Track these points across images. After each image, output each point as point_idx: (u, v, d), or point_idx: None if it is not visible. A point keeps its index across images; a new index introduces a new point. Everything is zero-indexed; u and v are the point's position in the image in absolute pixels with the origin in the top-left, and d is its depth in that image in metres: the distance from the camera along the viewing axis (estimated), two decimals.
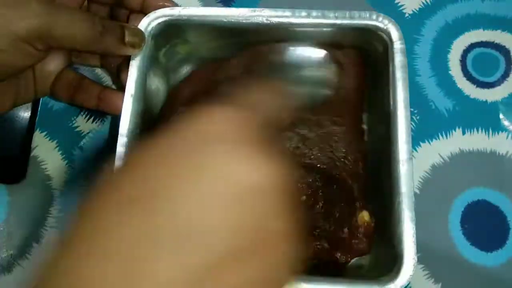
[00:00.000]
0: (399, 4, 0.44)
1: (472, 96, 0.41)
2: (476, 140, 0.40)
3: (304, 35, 0.36)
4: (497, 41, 0.42)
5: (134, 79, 0.34)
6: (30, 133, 0.40)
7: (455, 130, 0.40)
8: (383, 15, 0.34)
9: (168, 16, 0.35)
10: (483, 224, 0.38)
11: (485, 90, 0.41)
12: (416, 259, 0.29)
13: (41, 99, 0.41)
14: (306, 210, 0.34)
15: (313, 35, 0.36)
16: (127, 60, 0.34)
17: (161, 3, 0.36)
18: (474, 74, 0.42)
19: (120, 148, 0.32)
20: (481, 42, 0.42)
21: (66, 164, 0.40)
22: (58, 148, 0.40)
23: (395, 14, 0.43)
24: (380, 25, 0.34)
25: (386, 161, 0.33)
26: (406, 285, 0.29)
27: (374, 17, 0.34)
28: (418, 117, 0.40)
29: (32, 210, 0.39)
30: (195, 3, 0.44)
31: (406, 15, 0.43)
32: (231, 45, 0.37)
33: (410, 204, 0.30)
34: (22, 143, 0.40)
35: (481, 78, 0.41)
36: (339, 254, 0.32)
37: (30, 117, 0.40)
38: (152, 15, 0.35)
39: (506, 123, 0.40)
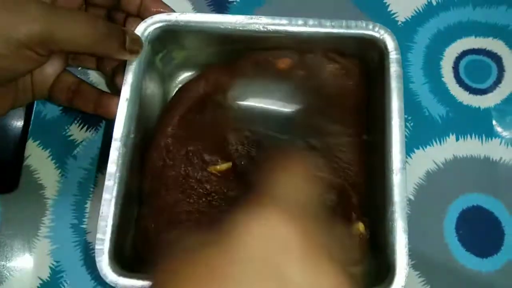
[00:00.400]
0: (392, 11, 0.44)
1: (465, 103, 0.41)
2: (469, 147, 0.40)
3: (301, 44, 0.36)
4: (489, 48, 0.43)
5: (130, 84, 0.33)
6: (23, 142, 0.40)
7: (448, 137, 0.40)
8: (379, 25, 0.34)
9: (165, 21, 0.35)
10: (477, 230, 0.38)
11: (478, 97, 0.41)
12: (408, 269, 0.29)
13: (34, 108, 0.41)
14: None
15: (310, 44, 0.36)
16: (122, 64, 0.34)
17: (158, 9, 0.36)
18: (466, 81, 0.42)
19: (114, 152, 0.32)
20: (473, 49, 0.43)
21: (59, 173, 0.40)
22: (51, 157, 0.40)
23: (388, 21, 0.43)
24: (376, 34, 0.34)
25: (380, 170, 0.33)
26: None
27: (370, 26, 0.34)
28: (412, 124, 0.41)
29: (25, 220, 0.39)
30: (188, 10, 0.44)
31: (399, 22, 0.44)
32: (228, 51, 0.37)
33: (403, 214, 0.30)
34: (15, 152, 0.39)
35: (474, 85, 0.42)
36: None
37: (23, 126, 0.40)
38: (149, 20, 0.35)
39: (499, 129, 0.40)
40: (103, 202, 0.31)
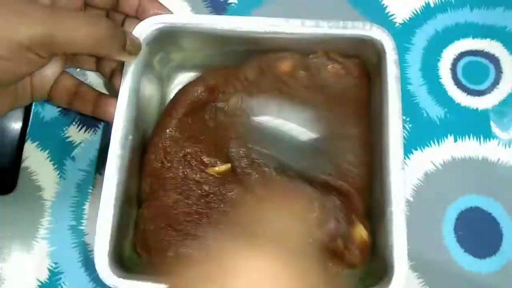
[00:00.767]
0: (390, 13, 0.44)
1: (463, 104, 0.41)
2: (468, 148, 0.40)
3: (299, 45, 0.36)
4: (486, 49, 0.43)
5: (128, 85, 0.33)
6: (21, 143, 0.40)
7: (447, 138, 0.40)
8: (376, 25, 0.34)
9: (163, 23, 0.35)
10: (476, 231, 0.38)
11: (476, 98, 0.42)
12: (407, 269, 0.29)
13: (32, 109, 0.41)
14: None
15: (308, 45, 0.36)
16: (120, 65, 0.34)
17: (155, 10, 0.36)
18: (464, 82, 0.42)
19: (112, 154, 0.32)
20: (471, 50, 0.43)
21: (58, 174, 0.40)
22: (49, 158, 0.40)
23: (386, 23, 0.43)
24: (373, 35, 0.34)
25: (378, 170, 0.33)
26: None
27: (367, 27, 0.34)
28: (410, 125, 0.41)
29: (23, 221, 0.38)
30: (186, 11, 0.44)
31: (397, 24, 0.44)
32: (225, 53, 0.37)
33: (402, 214, 0.30)
34: (13, 154, 0.39)
35: (472, 86, 0.42)
36: (330, 264, 0.32)
37: (21, 127, 0.40)
38: (147, 21, 0.35)
39: (497, 130, 0.41)
40: (101, 203, 0.31)
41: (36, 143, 0.40)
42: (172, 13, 0.36)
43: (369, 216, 0.34)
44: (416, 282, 0.37)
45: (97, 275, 0.30)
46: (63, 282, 0.37)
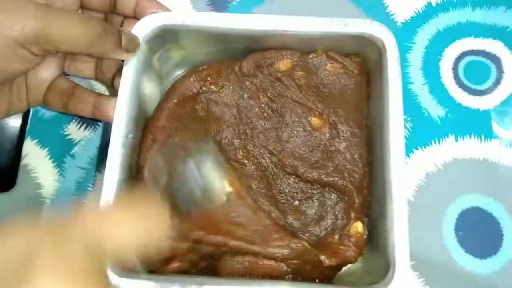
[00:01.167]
0: (391, 12, 0.44)
1: (464, 104, 0.41)
2: (469, 148, 0.40)
3: (299, 42, 0.36)
4: (488, 49, 0.43)
5: (127, 84, 0.33)
6: (20, 141, 0.40)
7: (448, 137, 0.40)
8: (377, 23, 0.34)
9: (162, 21, 0.35)
10: (477, 231, 0.38)
11: (477, 98, 0.41)
12: (409, 267, 0.29)
13: None
14: (296, 214, 0.34)
15: (309, 43, 0.36)
16: (121, 67, 0.34)
17: (153, 9, 0.35)
18: (466, 82, 0.42)
19: (112, 152, 0.32)
20: (472, 50, 0.43)
21: (57, 172, 0.39)
22: (49, 156, 0.40)
23: (387, 22, 0.43)
24: (374, 33, 0.34)
25: (380, 168, 0.33)
26: None
27: (368, 25, 0.34)
28: (411, 125, 0.41)
29: None
30: (187, 9, 0.44)
31: (398, 23, 0.44)
32: (225, 50, 0.37)
33: (403, 211, 0.30)
34: (13, 151, 0.39)
35: (473, 86, 0.42)
36: (324, 257, 0.32)
37: (21, 124, 0.40)
38: (146, 20, 0.35)
39: (498, 130, 0.40)
40: (101, 201, 0.31)
41: (36, 140, 0.40)
42: (170, 11, 0.36)
43: (369, 214, 0.34)
44: (417, 282, 0.37)
45: None
46: None
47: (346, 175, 0.34)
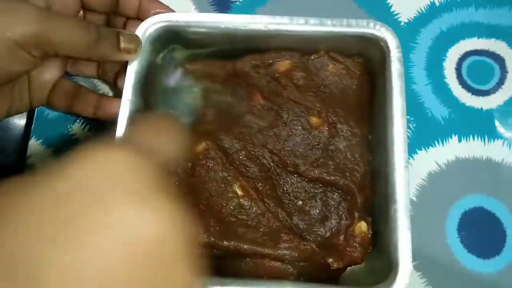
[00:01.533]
0: (395, 12, 0.44)
1: (467, 104, 0.41)
2: (472, 148, 0.40)
3: (303, 43, 0.36)
4: (491, 49, 0.43)
5: (132, 84, 0.33)
6: (25, 141, 0.40)
7: (451, 138, 0.40)
8: (380, 23, 0.34)
9: (165, 21, 0.35)
10: (479, 231, 0.38)
11: (481, 98, 0.41)
12: (411, 267, 0.29)
13: None
14: (301, 214, 0.34)
15: (312, 43, 0.36)
16: (124, 67, 0.34)
17: (156, 10, 0.36)
18: (469, 82, 0.42)
19: None
20: (476, 50, 0.43)
21: None
22: (54, 156, 0.40)
23: (391, 22, 0.43)
24: (377, 33, 0.34)
25: (383, 169, 0.33)
26: None
27: (371, 25, 0.34)
28: (414, 125, 0.41)
29: None
30: (190, 10, 0.44)
31: (402, 23, 0.44)
32: (229, 51, 0.37)
33: (406, 212, 0.30)
34: (17, 151, 0.39)
35: (477, 86, 0.42)
36: (331, 260, 0.32)
37: (26, 124, 0.40)
38: (149, 20, 0.35)
39: (501, 130, 0.40)
40: None
41: (41, 140, 0.41)
42: (173, 11, 0.36)
43: (372, 214, 0.34)
44: (419, 282, 0.37)
45: None
46: None
47: (347, 174, 0.34)
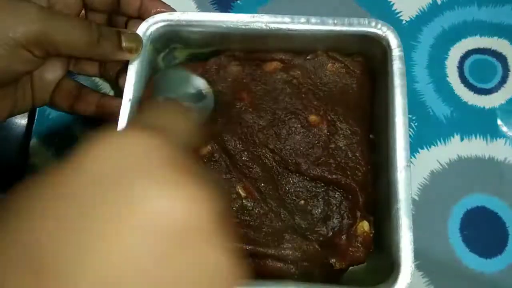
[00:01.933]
0: (397, 11, 0.44)
1: (470, 103, 0.41)
2: (474, 147, 0.40)
3: (304, 42, 0.36)
4: (494, 47, 0.43)
5: (132, 83, 0.33)
6: (26, 141, 0.40)
7: (453, 137, 0.40)
8: (381, 22, 0.34)
9: (167, 21, 0.35)
10: (482, 231, 0.38)
11: (483, 97, 0.41)
12: (413, 266, 0.29)
13: None
14: (303, 214, 0.34)
15: (313, 42, 0.36)
16: (125, 66, 0.34)
17: (158, 9, 0.36)
18: (471, 80, 0.42)
19: None
20: (478, 49, 0.43)
21: None
22: (55, 156, 0.40)
23: (393, 20, 0.43)
24: (379, 32, 0.34)
25: (384, 168, 0.32)
26: None
27: (373, 24, 0.34)
28: (416, 124, 0.40)
29: None
30: (192, 9, 0.44)
31: (404, 21, 0.44)
32: (230, 50, 0.37)
33: (408, 211, 0.30)
34: (19, 151, 0.39)
35: (479, 85, 0.42)
36: (334, 260, 0.32)
37: (27, 124, 0.40)
38: (151, 20, 0.35)
39: (504, 129, 0.40)
40: None
41: (42, 140, 0.41)
42: (175, 10, 0.36)
43: (374, 214, 0.34)
44: (421, 281, 0.37)
45: None
46: None
47: (348, 173, 0.34)
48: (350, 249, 0.33)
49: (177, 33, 0.36)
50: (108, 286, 0.15)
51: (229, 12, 0.44)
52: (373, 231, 0.33)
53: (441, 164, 0.39)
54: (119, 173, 0.17)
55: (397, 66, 0.33)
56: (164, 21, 0.35)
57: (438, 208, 0.38)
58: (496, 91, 0.41)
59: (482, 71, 0.42)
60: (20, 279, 0.15)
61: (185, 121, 0.23)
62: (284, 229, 0.33)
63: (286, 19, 0.34)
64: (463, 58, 0.42)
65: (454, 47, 0.43)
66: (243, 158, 0.34)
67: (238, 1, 0.44)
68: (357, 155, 0.34)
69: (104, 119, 0.38)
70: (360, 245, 0.33)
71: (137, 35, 0.34)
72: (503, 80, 0.42)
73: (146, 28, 0.35)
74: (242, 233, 0.32)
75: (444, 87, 0.42)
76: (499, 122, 0.40)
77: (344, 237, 0.33)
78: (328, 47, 0.36)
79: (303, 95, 0.35)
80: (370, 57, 0.36)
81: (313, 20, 0.34)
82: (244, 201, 0.33)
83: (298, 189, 0.34)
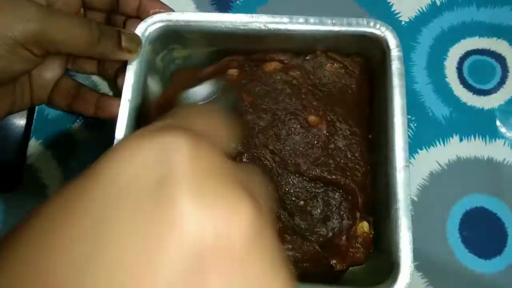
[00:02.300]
0: (396, 11, 0.44)
1: (469, 103, 0.41)
2: (473, 147, 0.40)
3: (303, 42, 0.36)
4: (493, 48, 0.43)
5: (131, 84, 0.33)
6: (25, 141, 0.40)
7: (452, 137, 0.40)
8: (380, 22, 0.34)
9: (165, 21, 0.35)
10: (481, 231, 0.38)
11: (482, 97, 0.41)
12: (412, 266, 0.29)
13: (36, 107, 0.41)
14: (303, 214, 0.34)
15: (312, 42, 0.36)
16: (124, 65, 0.34)
17: (156, 9, 0.36)
18: (470, 81, 0.42)
19: None
20: (477, 49, 0.43)
21: (62, 172, 0.40)
22: (54, 156, 0.40)
23: (392, 21, 0.43)
24: (378, 32, 0.34)
25: (383, 168, 0.32)
26: None
27: (371, 24, 0.34)
28: (415, 125, 0.40)
29: None
30: (191, 9, 0.44)
31: (403, 22, 0.44)
32: (229, 51, 0.37)
33: (407, 212, 0.30)
34: (17, 151, 0.39)
35: (478, 86, 0.42)
36: (335, 261, 0.32)
37: (26, 124, 0.40)
38: (149, 20, 0.35)
39: (502, 130, 0.40)
40: None
41: (40, 140, 0.41)
42: (173, 11, 0.36)
43: (373, 214, 0.34)
44: (420, 282, 0.36)
45: None
46: None
47: (348, 173, 0.34)
48: (350, 250, 0.33)
49: (176, 33, 0.36)
50: None
51: (228, 12, 0.44)
52: (372, 232, 0.33)
53: (440, 165, 0.39)
54: (153, 187, 0.14)
55: (396, 66, 0.33)
56: (162, 21, 0.35)
57: (437, 209, 0.38)
58: (495, 92, 0.41)
59: (481, 72, 0.42)
60: None
61: (225, 125, 0.20)
62: (284, 230, 0.32)
63: (285, 19, 0.34)
64: (462, 59, 0.42)
65: (453, 48, 0.43)
66: (243, 160, 0.34)
67: (237, 1, 0.44)
68: (357, 155, 0.34)
69: (102, 119, 0.38)
70: (360, 246, 0.33)
71: (137, 35, 0.34)
72: (502, 81, 0.42)
73: (145, 29, 0.35)
74: None
75: (443, 88, 0.42)
76: (498, 123, 0.40)
77: (344, 237, 0.33)
78: (327, 47, 0.36)
79: (302, 96, 0.35)
80: (369, 57, 0.36)
81: (311, 20, 0.34)
82: None
83: (298, 189, 0.34)
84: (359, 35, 0.34)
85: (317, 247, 0.32)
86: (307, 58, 0.36)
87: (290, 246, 0.32)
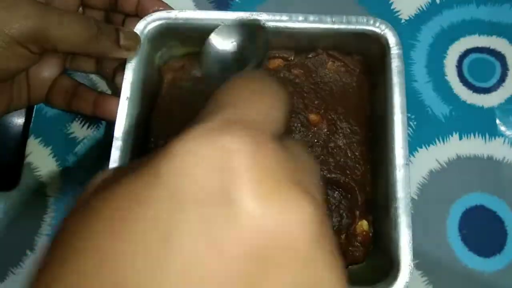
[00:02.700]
0: (395, 9, 0.44)
1: (468, 102, 0.41)
2: (473, 146, 0.40)
3: (303, 40, 0.35)
4: (492, 46, 0.42)
5: (130, 82, 0.33)
6: (24, 139, 0.40)
7: (452, 136, 0.40)
8: (380, 20, 0.34)
9: (164, 19, 0.35)
10: (481, 230, 0.38)
11: (482, 96, 0.41)
12: (412, 265, 0.29)
13: (35, 105, 0.41)
14: None
15: (312, 40, 0.36)
16: (122, 63, 0.34)
17: (156, 7, 0.35)
18: (470, 79, 0.42)
19: (115, 151, 0.32)
20: (477, 47, 0.43)
21: (61, 170, 0.40)
22: (52, 154, 0.40)
23: (391, 19, 0.43)
24: (377, 30, 0.34)
25: (383, 167, 0.32)
26: None
27: (371, 22, 0.34)
28: (415, 123, 0.40)
29: (26, 217, 0.38)
30: (190, 7, 0.44)
31: (402, 20, 0.43)
32: None
33: (406, 210, 0.30)
34: (16, 150, 0.39)
35: (477, 84, 0.42)
36: None
37: (24, 123, 0.40)
38: (148, 18, 0.35)
39: (502, 128, 0.40)
40: None
41: (39, 139, 0.40)
42: (172, 9, 0.36)
43: (373, 213, 0.34)
44: (420, 281, 0.36)
45: None
46: None
47: (348, 172, 0.34)
48: (350, 248, 0.33)
49: (175, 31, 0.35)
50: None
51: (227, 10, 0.44)
52: (372, 230, 0.33)
53: (439, 163, 0.39)
54: (215, 192, 0.14)
55: (395, 64, 0.33)
56: (161, 19, 0.35)
57: (436, 207, 0.38)
58: (495, 90, 0.41)
59: (481, 70, 0.42)
60: None
61: (279, 100, 0.19)
62: None
63: (284, 17, 0.34)
64: (462, 57, 0.42)
65: (453, 46, 0.43)
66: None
67: (237, 0, 0.44)
68: (357, 154, 0.34)
69: (101, 118, 0.38)
70: (359, 245, 0.33)
71: (136, 33, 0.34)
72: (502, 79, 0.42)
73: (144, 26, 0.34)
74: None
75: (443, 86, 0.41)
76: (497, 121, 0.40)
77: (343, 236, 0.33)
78: (327, 45, 0.36)
79: (304, 94, 0.35)
80: (369, 55, 0.36)
81: (311, 18, 0.34)
82: None
83: None
84: (358, 33, 0.34)
85: None
86: (309, 56, 0.36)
87: None
